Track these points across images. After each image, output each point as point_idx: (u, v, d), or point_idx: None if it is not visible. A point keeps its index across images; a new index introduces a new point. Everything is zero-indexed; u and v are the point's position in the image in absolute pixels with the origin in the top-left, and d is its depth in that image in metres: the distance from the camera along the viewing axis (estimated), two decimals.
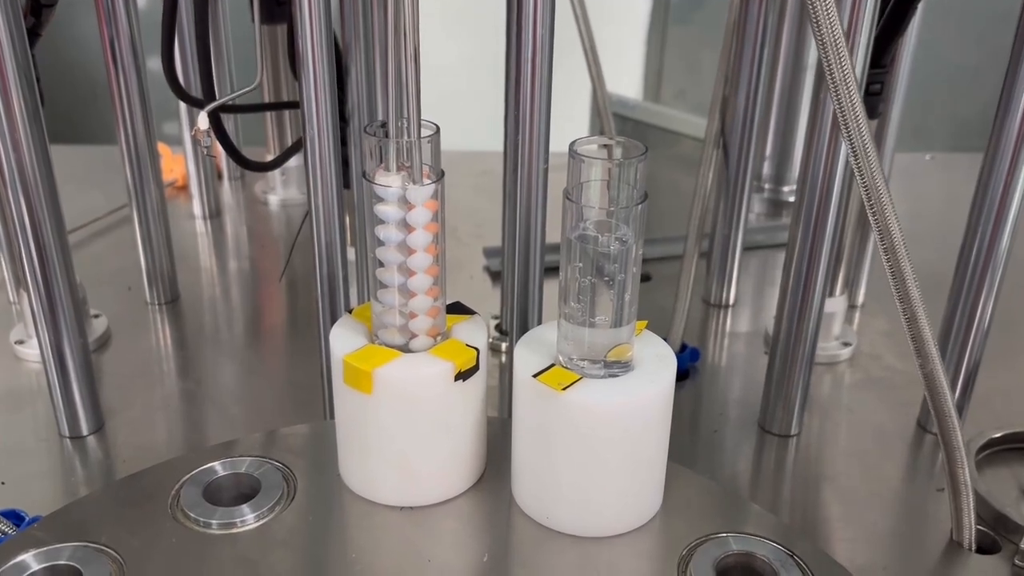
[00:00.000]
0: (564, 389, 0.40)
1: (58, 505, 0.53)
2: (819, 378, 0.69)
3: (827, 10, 0.39)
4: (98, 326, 0.71)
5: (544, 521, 0.44)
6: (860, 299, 0.78)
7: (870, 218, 0.43)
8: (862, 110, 0.40)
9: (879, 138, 0.72)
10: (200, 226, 0.90)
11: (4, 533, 0.49)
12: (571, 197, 0.39)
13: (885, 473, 0.59)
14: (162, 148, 0.88)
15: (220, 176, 0.97)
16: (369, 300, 0.44)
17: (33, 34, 0.58)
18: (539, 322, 0.57)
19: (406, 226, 0.41)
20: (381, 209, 0.41)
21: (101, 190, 0.92)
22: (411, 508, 0.45)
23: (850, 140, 0.41)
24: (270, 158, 0.93)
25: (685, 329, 0.69)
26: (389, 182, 0.41)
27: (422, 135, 0.41)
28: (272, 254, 0.86)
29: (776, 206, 0.98)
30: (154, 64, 0.70)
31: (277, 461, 0.46)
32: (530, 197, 0.54)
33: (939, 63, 1.41)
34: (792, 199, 0.98)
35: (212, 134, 0.52)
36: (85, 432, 0.60)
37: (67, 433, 0.60)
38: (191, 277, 0.80)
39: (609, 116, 0.82)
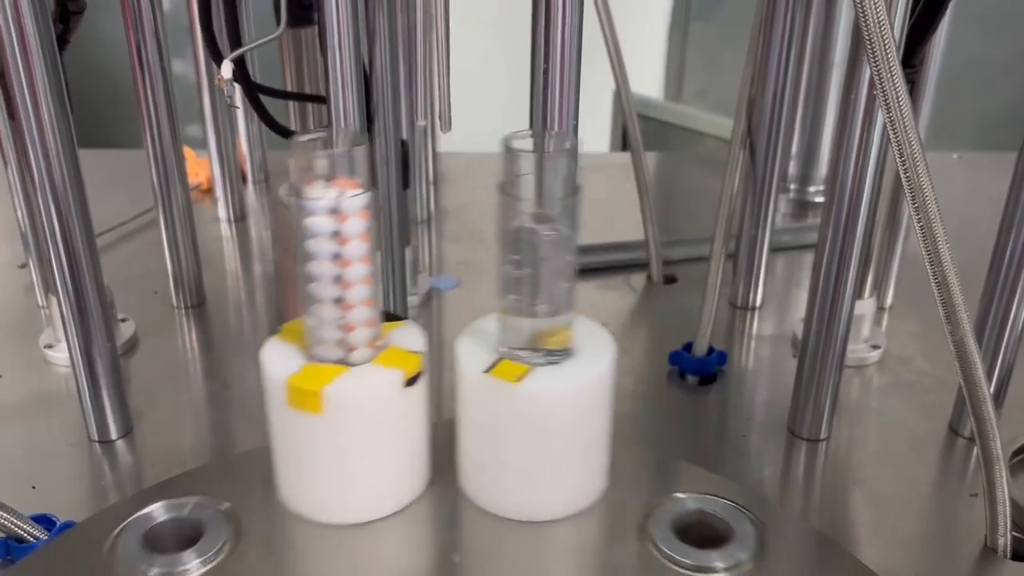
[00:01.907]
0: (519, 380, 0.40)
1: (88, 510, 0.53)
2: (848, 381, 0.68)
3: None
4: (125, 330, 0.71)
5: (501, 512, 0.44)
6: (889, 301, 0.77)
7: (905, 190, 0.42)
8: (903, 81, 0.40)
9: None
10: (225, 229, 0.90)
11: (36, 538, 0.49)
12: (506, 191, 0.40)
13: (917, 478, 0.59)
14: (186, 151, 0.89)
15: (244, 179, 0.98)
16: (305, 315, 0.42)
17: (62, 41, 0.58)
18: None
19: (339, 238, 0.40)
20: (313, 222, 0.40)
21: (125, 194, 0.93)
22: (369, 523, 0.43)
23: (888, 112, 0.40)
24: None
25: (712, 332, 0.68)
26: (319, 195, 0.39)
27: (351, 145, 0.40)
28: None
29: (802, 206, 0.97)
30: (177, 67, 0.70)
31: (217, 498, 0.44)
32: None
33: (963, 59, 1.40)
34: (818, 199, 0.98)
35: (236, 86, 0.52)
36: (114, 436, 0.60)
37: (96, 437, 0.60)
38: (217, 281, 0.81)
39: (634, 116, 0.82)
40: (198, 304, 0.77)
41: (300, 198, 0.40)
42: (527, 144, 0.39)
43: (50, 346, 0.69)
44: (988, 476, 0.48)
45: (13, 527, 0.48)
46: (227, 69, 0.42)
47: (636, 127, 0.82)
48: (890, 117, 0.41)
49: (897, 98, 0.40)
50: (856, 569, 0.43)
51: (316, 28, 0.86)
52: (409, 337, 0.44)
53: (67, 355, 0.66)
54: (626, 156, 1.12)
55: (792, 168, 0.97)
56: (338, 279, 0.41)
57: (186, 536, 0.42)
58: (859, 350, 0.69)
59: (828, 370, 0.59)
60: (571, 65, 0.50)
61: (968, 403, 0.46)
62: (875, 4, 0.40)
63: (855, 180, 0.53)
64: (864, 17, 0.40)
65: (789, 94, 0.71)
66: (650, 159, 1.20)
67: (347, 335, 0.42)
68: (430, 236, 0.90)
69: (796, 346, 0.72)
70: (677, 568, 0.41)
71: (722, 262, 0.67)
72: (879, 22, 0.39)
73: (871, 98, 0.50)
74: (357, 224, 0.40)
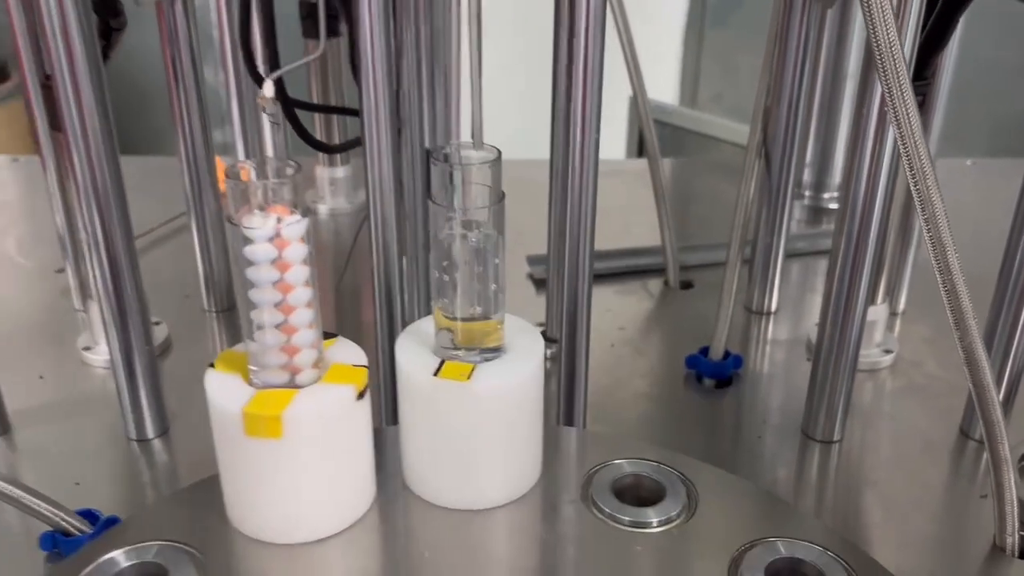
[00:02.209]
0: (468, 379, 0.43)
1: (129, 505, 0.56)
2: (861, 385, 0.70)
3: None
4: (159, 333, 0.73)
5: (457, 505, 0.46)
6: (901, 306, 0.79)
7: (916, 202, 0.44)
8: (912, 98, 0.42)
9: None
10: None
11: (82, 532, 0.51)
12: (435, 200, 0.42)
13: (928, 479, 0.60)
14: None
15: None
16: (246, 340, 0.42)
17: (103, 55, 0.61)
18: (588, 328, 0.59)
19: (280, 264, 0.40)
20: (252, 250, 0.40)
21: (155, 200, 0.95)
22: (327, 538, 0.44)
23: (899, 128, 0.42)
24: (319, 161, 0.97)
25: (728, 337, 0.70)
26: (256, 223, 0.39)
27: (285, 173, 0.40)
28: (321, 263, 0.89)
29: (817, 213, 0.99)
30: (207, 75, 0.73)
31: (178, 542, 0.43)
32: (581, 205, 0.55)
33: (976, 64, 1.41)
34: (832, 206, 1.00)
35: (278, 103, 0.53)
36: (151, 435, 0.63)
37: (134, 436, 0.62)
38: None
39: (651, 124, 0.83)
40: (228, 308, 0.79)
41: (238, 226, 0.39)
42: (455, 156, 0.42)
43: (88, 348, 0.71)
44: (997, 477, 0.50)
45: (60, 521, 0.51)
46: (269, 89, 0.43)
47: (653, 134, 0.84)
48: (900, 133, 0.43)
49: (907, 114, 0.42)
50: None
51: (341, 39, 0.89)
52: (348, 352, 0.45)
53: (104, 357, 0.69)
54: (642, 162, 1.14)
55: (807, 175, 0.98)
56: (281, 305, 0.41)
57: None
58: (872, 354, 0.71)
59: (841, 374, 0.61)
60: (594, 77, 0.52)
61: (977, 406, 0.48)
62: (886, 25, 0.41)
63: (868, 189, 0.55)
64: (875, 37, 0.42)
65: (804, 104, 0.73)
66: (666, 165, 1.21)
67: (292, 359, 0.42)
68: None
69: (810, 350, 0.74)
70: (618, 526, 0.45)
71: (738, 269, 0.69)
72: (890, 42, 0.41)
73: (883, 110, 0.52)
74: (297, 250, 0.40)
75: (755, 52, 0.71)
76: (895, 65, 0.42)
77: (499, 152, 0.42)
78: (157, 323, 0.74)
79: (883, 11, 0.41)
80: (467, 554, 0.44)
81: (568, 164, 0.53)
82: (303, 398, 0.42)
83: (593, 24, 0.50)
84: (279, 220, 0.40)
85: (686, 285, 0.85)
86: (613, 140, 1.82)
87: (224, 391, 0.42)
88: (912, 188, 0.44)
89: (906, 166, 0.44)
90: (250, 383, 0.42)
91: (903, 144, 0.43)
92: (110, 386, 0.68)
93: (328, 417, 0.42)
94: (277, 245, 0.39)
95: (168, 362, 0.72)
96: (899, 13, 0.50)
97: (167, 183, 0.80)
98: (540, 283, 0.84)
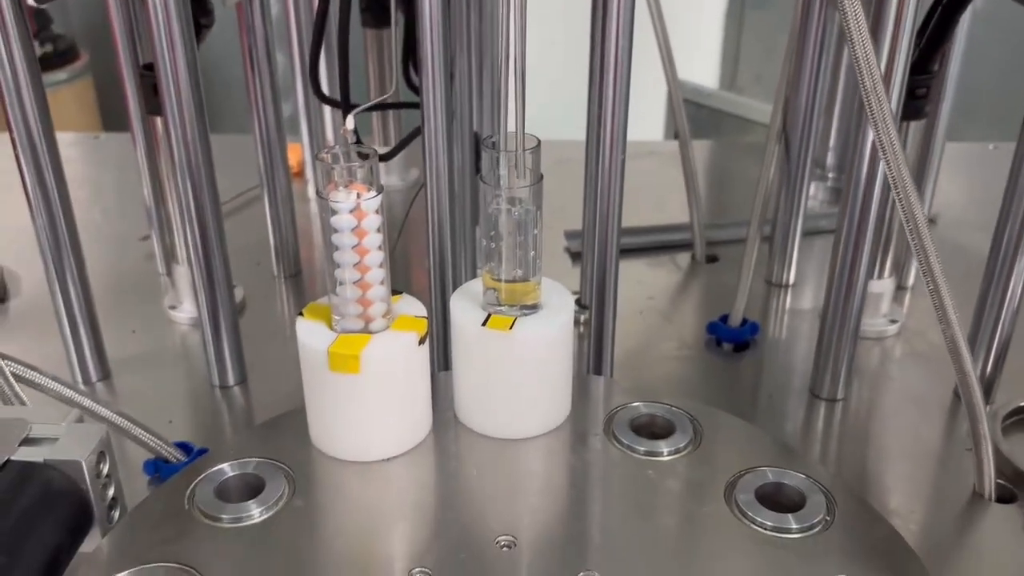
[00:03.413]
0: (510, 329, 0.51)
1: (216, 440, 0.65)
2: (868, 351, 0.76)
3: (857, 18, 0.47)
4: (236, 295, 0.82)
5: (499, 435, 0.54)
6: (910, 281, 0.85)
7: (906, 231, 0.51)
8: (900, 145, 0.48)
9: (929, 133, 0.79)
10: (314, 207, 1.01)
11: (179, 460, 0.60)
12: (485, 180, 0.50)
13: (921, 434, 0.67)
14: None
15: None
16: (330, 294, 0.51)
17: None
18: (615, 297, 0.66)
19: (358, 232, 0.48)
20: (337, 220, 0.48)
21: (226, 176, 1.04)
22: (394, 458, 0.53)
23: (879, 136, 0.49)
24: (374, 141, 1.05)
25: (748, 306, 0.77)
26: (341, 198, 0.48)
27: (364, 156, 0.48)
28: None
29: (838, 194, 1.05)
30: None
31: (272, 459, 0.52)
32: (610, 185, 0.61)
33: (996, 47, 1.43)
34: None
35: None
36: (232, 383, 0.71)
37: (217, 383, 0.71)
38: (309, 253, 0.92)
39: (681, 108, 0.90)
40: (295, 274, 0.88)
41: (326, 200, 0.48)
42: (501, 142, 0.49)
43: (173, 307, 0.80)
44: (973, 427, 0.57)
45: (161, 450, 0.60)
46: (351, 122, 0.52)
47: (684, 117, 0.90)
48: (887, 161, 0.49)
49: (894, 152, 0.48)
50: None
51: (392, 29, 0.96)
52: (411, 306, 0.54)
53: (188, 315, 0.78)
54: (674, 144, 1.20)
55: (829, 159, 1.04)
56: (359, 265, 0.50)
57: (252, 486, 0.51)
58: (878, 324, 0.78)
59: (844, 338, 0.67)
60: (623, 67, 0.58)
61: (952, 361, 0.55)
62: (872, 76, 0.48)
63: (869, 170, 0.61)
64: (863, 83, 0.48)
65: (823, 94, 0.79)
66: (703, 147, 1.27)
67: (366, 309, 0.51)
68: None
69: None
70: (634, 455, 0.53)
71: (757, 244, 0.76)
72: (877, 90, 0.48)
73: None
74: (373, 220, 0.49)
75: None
76: (881, 109, 0.48)
77: (539, 140, 0.50)
78: (235, 286, 0.83)
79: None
80: (508, 474, 0.52)
81: (599, 148, 0.60)
82: (376, 341, 0.50)
83: (623, 13, 0.56)
84: (359, 196, 0.48)
85: (712, 259, 0.92)
86: (652, 122, 1.88)
87: (312, 335, 0.51)
88: (903, 220, 0.50)
89: (895, 193, 0.50)
90: (332, 329, 0.51)
91: (890, 173, 0.49)
92: (192, 340, 0.77)
93: (396, 357, 0.51)
94: (356, 216, 0.48)
95: (243, 321, 0.81)
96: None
97: (235, 159, 0.88)
98: (576, 256, 0.91)
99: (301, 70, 0.93)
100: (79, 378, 0.72)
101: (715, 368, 0.76)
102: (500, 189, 0.50)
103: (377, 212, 0.49)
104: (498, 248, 0.51)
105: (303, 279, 0.88)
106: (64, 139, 0.70)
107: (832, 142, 1.03)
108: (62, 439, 0.48)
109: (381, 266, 0.50)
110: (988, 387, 0.68)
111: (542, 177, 0.50)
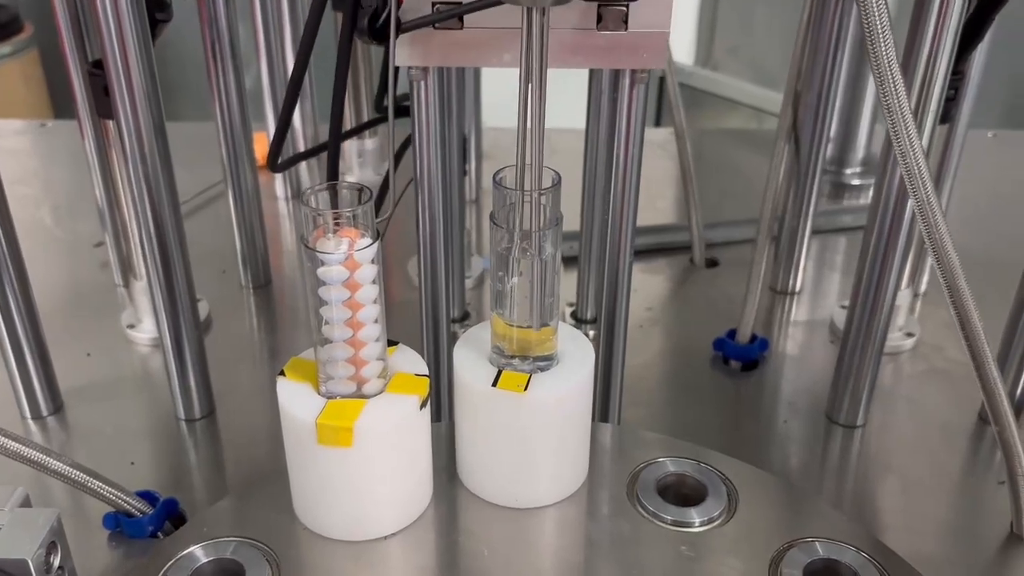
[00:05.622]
0: (524, 390, 0.45)
1: (182, 487, 0.58)
2: (882, 368, 0.71)
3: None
4: (201, 310, 0.75)
5: (511, 504, 0.48)
6: (923, 287, 0.80)
7: (927, 242, 0.46)
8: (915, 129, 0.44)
9: (949, 130, 0.74)
10: (283, 207, 0.94)
11: (143, 513, 0.54)
12: (496, 221, 0.44)
13: (947, 466, 0.63)
14: None
15: None
16: (316, 351, 0.44)
17: None
18: (627, 310, 0.60)
19: (350, 284, 0.42)
20: (325, 272, 0.41)
21: (185, 168, 0.96)
22: (392, 535, 0.46)
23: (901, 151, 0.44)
24: None
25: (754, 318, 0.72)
26: (330, 247, 0.41)
27: (362, 200, 0.41)
28: None
29: (838, 188, 1.00)
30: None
31: (252, 539, 0.45)
32: (625, 180, 0.54)
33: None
34: (855, 181, 1.01)
35: None
36: (198, 416, 0.65)
37: (183, 416, 0.65)
38: (279, 260, 0.85)
39: (680, 104, 0.84)
40: (265, 284, 0.81)
41: (312, 250, 0.41)
42: (514, 181, 0.43)
43: (132, 326, 0.73)
44: (1008, 464, 0.52)
45: (123, 503, 0.53)
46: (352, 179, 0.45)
47: (680, 110, 0.84)
48: (907, 167, 0.44)
49: (915, 158, 0.44)
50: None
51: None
52: (410, 360, 0.47)
53: (148, 335, 0.72)
54: (661, 132, 1.15)
55: (829, 150, 0.99)
56: (351, 322, 0.43)
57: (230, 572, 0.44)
58: (894, 338, 0.73)
59: (868, 360, 0.63)
60: None
61: (983, 396, 0.50)
62: (900, 103, 0.43)
63: (901, 183, 0.56)
64: (888, 107, 0.43)
65: (835, 89, 0.73)
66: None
67: (359, 370, 0.44)
68: (479, 218, 0.94)
69: (833, 332, 0.76)
70: (662, 526, 0.47)
71: (766, 255, 0.71)
72: (902, 111, 0.43)
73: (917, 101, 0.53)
74: (367, 272, 0.42)
75: (771, 2, 0.71)
76: (907, 130, 0.43)
77: (559, 177, 0.43)
78: (199, 300, 0.76)
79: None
80: (521, 552, 0.46)
81: (614, 135, 0.52)
82: (371, 409, 0.44)
83: None
84: (351, 244, 0.41)
85: (711, 263, 0.86)
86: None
87: (296, 401, 0.44)
88: (923, 231, 0.46)
89: (912, 200, 0.45)
90: (319, 392, 0.44)
91: (908, 179, 0.45)
92: (154, 364, 0.70)
93: (394, 426, 0.44)
94: (348, 267, 0.41)
95: (209, 340, 0.74)
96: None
97: (195, 150, 0.81)
98: (569, 260, 0.85)
99: (264, 40, 0.85)
100: (27, 413, 0.65)
101: (724, 391, 0.70)
102: (512, 231, 0.43)
103: (373, 262, 0.42)
104: (510, 291, 0.45)
105: (273, 290, 0.81)
106: (9, 127, 0.62)
107: (832, 133, 0.97)
108: (5, 529, 0.41)
109: (376, 321, 0.43)
110: (1017, 410, 0.64)
111: (561, 218, 0.44)
